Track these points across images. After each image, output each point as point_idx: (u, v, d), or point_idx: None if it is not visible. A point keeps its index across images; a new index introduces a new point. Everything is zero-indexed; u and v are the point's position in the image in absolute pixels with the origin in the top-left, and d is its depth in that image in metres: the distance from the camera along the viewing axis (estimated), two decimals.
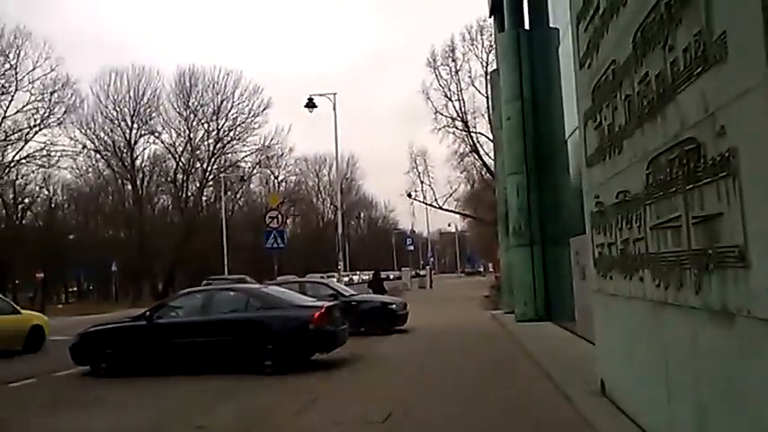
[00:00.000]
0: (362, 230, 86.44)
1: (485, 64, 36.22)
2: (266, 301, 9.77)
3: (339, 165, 33.23)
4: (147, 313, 9.97)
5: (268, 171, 57.49)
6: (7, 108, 39.70)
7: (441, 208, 41.92)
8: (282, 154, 56.71)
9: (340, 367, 9.46)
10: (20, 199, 43.94)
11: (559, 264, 13.11)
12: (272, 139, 53.63)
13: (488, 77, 20.04)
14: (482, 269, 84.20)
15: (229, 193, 50.82)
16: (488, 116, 35.85)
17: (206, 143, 51.46)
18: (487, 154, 37.47)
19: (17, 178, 42.19)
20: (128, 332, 9.90)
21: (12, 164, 40.65)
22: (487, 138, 36.86)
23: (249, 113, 51.27)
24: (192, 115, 50.73)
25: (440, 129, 37.67)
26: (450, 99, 37.73)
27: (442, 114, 37.68)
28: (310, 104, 24.70)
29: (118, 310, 29.08)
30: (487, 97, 35.61)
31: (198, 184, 51.82)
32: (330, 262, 45.18)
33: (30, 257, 40.95)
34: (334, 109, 25.88)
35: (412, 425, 6.09)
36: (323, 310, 9.43)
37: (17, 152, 40.56)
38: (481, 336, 13.19)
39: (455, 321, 16.68)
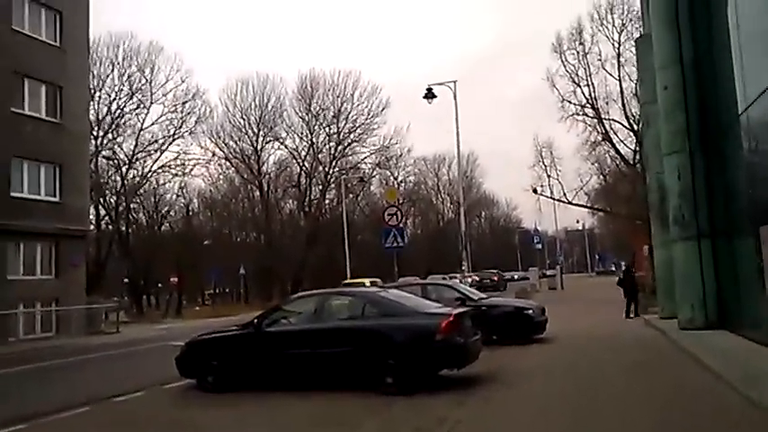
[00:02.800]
0: (483, 230, 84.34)
1: (616, 45, 33.16)
2: (385, 307, 8.44)
3: (459, 161, 31.45)
4: (256, 320, 8.99)
5: (387, 172, 57.18)
6: (144, 120, 42.40)
7: (570, 203, 38.72)
8: (401, 154, 56.32)
9: (475, 387, 7.88)
10: (158, 207, 46.68)
11: (736, 259, 11.07)
12: (390, 140, 53.38)
13: (635, 45, 17.51)
14: (614, 268, 78.40)
15: (351, 195, 50.83)
16: (622, 101, 32.98)
17: (327, 146, 51.97)
18: (622, 141, 34.46)
19: (157, 187, 44.90)
20: (235, 342, 8.94)
21: (149, 174, 43.32)
22: (621, 125, 33.82)
23: (368, 114, 51.24)
24: (313, 119, 51.42)
25: (567, 117, 34.78)
26: (578, 85, 34.73)
27: (569, 102, 34.76)
28: (429, 95, 23.34)
29: (246, 312, 29.47)
30: (620, 80, 32.83)
31: (320, 187, 52.39)
32: (451, 263, 43.63)
33: (169, 262, 43.37)
34: (455, 97, 24.56)
35: None
36: (451, 318, 7.93)
37: (154, 162, 43.19)
38: (640, 347, 11.09)
39: (602, 328, 14.50)
